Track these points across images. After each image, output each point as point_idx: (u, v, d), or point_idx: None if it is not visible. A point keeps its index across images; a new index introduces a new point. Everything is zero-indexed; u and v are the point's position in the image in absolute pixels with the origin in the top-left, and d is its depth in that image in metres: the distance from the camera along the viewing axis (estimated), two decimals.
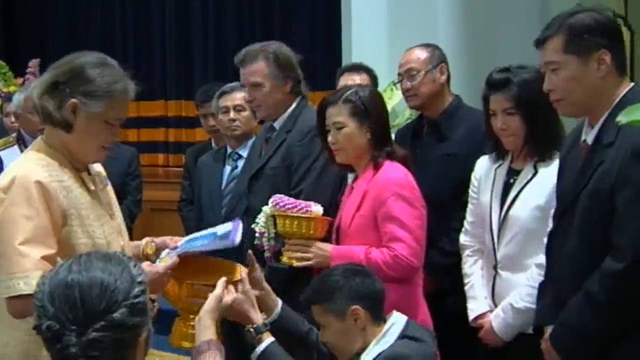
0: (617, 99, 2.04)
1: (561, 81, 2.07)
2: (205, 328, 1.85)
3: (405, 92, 3.06)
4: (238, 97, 3.64)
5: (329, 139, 2.49)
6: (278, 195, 2.56)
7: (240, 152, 3.66)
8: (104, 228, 2.06)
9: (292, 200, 2.53)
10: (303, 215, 2.49)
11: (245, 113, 3.63)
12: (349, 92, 2.50)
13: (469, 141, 2.88)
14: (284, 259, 2.55)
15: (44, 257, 1.88)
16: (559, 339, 2.09)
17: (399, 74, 3.07)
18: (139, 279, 1.43)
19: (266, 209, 2.58)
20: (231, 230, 2.10)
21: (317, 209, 2.52)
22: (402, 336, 2.01)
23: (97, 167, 2.23)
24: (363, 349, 2.04)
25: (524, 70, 2.50)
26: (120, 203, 4.48)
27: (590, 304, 1.98)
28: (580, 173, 2.08)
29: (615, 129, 1.98)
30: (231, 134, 3.67)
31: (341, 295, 2.01)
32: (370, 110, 2.47)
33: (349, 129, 2.46)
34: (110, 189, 2.25)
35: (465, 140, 2.90)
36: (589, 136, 2.10)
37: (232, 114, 3.63)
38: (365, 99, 2.48)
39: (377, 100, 2.54)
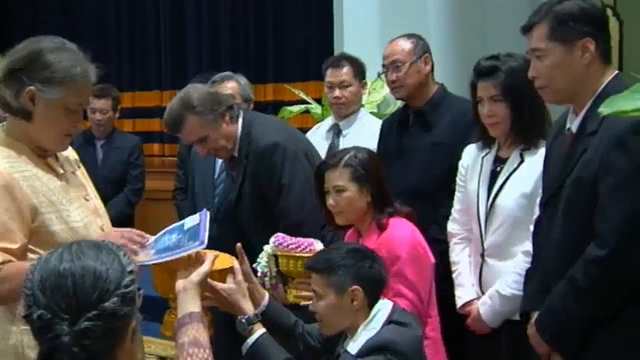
0: (601, 87, 2.03)
1: (545, 68, 2.06)
2: (189, 301, 1.81)
3: (390, 83, 3.05)
4: (229, 86, 3.62)
5: (329, 202, 2.46)
6: (280, 234, 2.53)
7: None
8: (79, 210, 2.01)
9: (294, 239, 2.50)
10: (306, 255, 2.44)
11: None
12: (348, 157, 2.47)
13: (454, 129, 2.88)
14: (290, 299, 2.51)
15: (2, 250, 1.84)
16: (544, 325, 2.09)
17: (384, 66, 3.05)
18: (129, 268, 1.42)
19: (267, 249, 2.55)
20: (199, 227, 1.99)
21: (319, 246, 2.50)
22: (389, 322, 2.02)
23: (66, 152, 2.15)
24: (349, 329, 2.06)
25: (512, 59, 2.49)
26: (120, 191, 4.54)
27: (574, 290, 1.98)
28: (564, 161, 2.08)
29: (599, 117, 1.95)
30: None
31: (347, 273, 2.02)
32: (371, 173, 2.44)
33: (350, 192, 2.42)
34: (81, 172, 2.17)
35: (451, 128, 2.90)
36: (573, 124, 2.09)
37: None
38: (365, 163, 2.45)
39: (376, 163, 2.52)
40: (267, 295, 2.15)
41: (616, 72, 2.09)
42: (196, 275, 1.86)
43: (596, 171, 1.95)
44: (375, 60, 3.58)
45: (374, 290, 2.06)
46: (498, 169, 2.54)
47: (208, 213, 2.08)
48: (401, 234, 2.39)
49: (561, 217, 2.06)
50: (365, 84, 3.67)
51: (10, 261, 1.85)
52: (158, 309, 2.12)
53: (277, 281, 2.60)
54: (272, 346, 2.00)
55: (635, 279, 1.92)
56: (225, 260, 2.09)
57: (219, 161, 3.65)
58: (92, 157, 4.49)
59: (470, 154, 2.67)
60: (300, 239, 2.50)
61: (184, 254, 1.90)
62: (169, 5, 7.10)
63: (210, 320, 2.06)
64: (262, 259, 2.57)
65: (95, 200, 2.15)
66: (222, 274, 2.04)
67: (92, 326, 1.33)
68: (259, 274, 2.58)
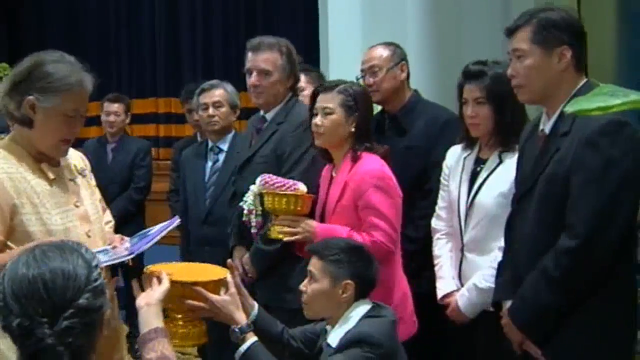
0: (573, 93, 2.04)
1: (524, 68, 2.07)
2: (152, 317, 1.74)
3: (367, 87, 3.02)
4: (216, 94, 3.60)
5: (315, 120, 2.50)
6: (266, 174, 2.55)
7: (221, 146, 3.62)
8: (62, 215, 2.01)
9: (280, 179, 2.53)
10: (291, 193, 2.48)
11: (224, 109, 3.59)
12: (343, 85, 2.51)
13: (427, 133, 2.88)
14: (273, 234, 2.53)
15: None
16: (517, 313, 2.08)
17: (362, 70, 3.02)
18: (94, 263, 1.42)
19: (254, 188, 2.58)
20: (149, 236, 1.98)
21: (302, 187, 2.52)
22: (366, 316, 2.01)
23: (72, 159, 2.18)
24: (330, 319, 2.06)
25: (498, 65, 2.49)
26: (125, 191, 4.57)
27: (545, 279, 1.98)
28: (537, 160, 2.08)
29: (570, 120, 1.99)
30: (211, 128, 3.62)
31: (346, 267, 2.03)
32: (360, 105, 2.49)
33: (337, 116, 2.47)
34: (83, 180, 2.18)
35: (423, 133, 2.89)
36: (546, 126, 2.10)
37: (211, 110, 3.58)
38: (358, 96, 2.50)
39: (367, 99, 2.57)
40: (256, 305, 2.15)
41: (587, 79, 2.10)
42: (158, 292, 1.81)
43: (568, 168, 1.96)
44: (357, 67, 3.55)
45: (364, 289, 2.06)
46: (478, 169, 2.53)
47: (177, 222, 2.10)
48: (369, 168, 2.43)
49: (534, 212, 2.05)
50: None
51: None
52: None
53: (262, 219, 2.63)
54: (263, 353, 1.99)
55: (603, 268, 1.93)
56: (219, 272, 2.10)
57: (208, 166, 3.62)
58: (103, 159, 4.56)
59: (453, 154, 2.65)
60: (285, 179, 2.53)
61: (114, 262, 1.94)
62: (164, 18, 7.12)
63: (204, 330, 2.06)
64: (249, 197, 2.61)
65: (89, 207, 2.13)
66: (216, 286, 2.03)
67: (71, 324, 1.33)
68: (245, 212, 2.64)
